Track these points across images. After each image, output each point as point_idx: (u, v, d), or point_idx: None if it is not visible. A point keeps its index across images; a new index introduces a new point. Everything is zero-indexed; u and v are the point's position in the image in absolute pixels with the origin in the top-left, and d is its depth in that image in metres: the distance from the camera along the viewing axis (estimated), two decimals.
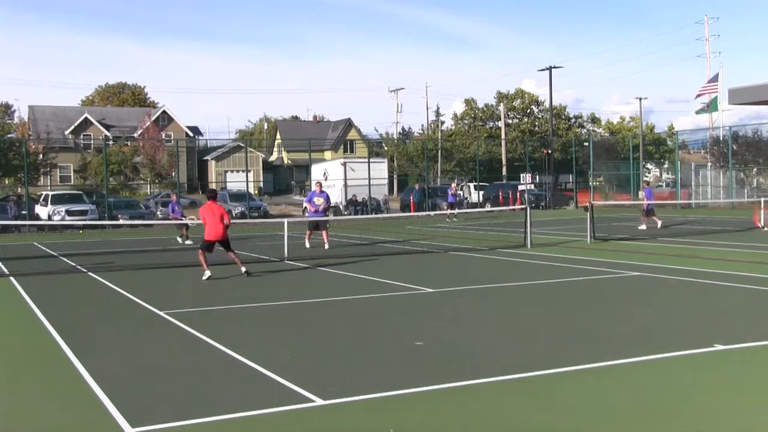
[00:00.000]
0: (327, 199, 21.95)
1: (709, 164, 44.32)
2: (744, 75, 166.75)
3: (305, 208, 22.40)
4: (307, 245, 21.33)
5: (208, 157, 79.36)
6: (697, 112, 49.63)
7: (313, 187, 22.39)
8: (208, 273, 14.83)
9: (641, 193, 27.42)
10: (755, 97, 55.18)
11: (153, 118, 76.19)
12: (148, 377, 7.51)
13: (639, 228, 26.08)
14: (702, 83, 50.15)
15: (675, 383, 6.84)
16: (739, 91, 54.68)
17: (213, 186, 67.86)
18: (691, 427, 5.67)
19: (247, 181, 43.63)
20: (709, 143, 45.90)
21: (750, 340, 8.35)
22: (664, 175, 64.99)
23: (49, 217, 35.28)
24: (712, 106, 48.91)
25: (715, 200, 41.05)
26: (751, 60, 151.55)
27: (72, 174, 66.23)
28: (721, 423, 5.78)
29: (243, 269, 15.20)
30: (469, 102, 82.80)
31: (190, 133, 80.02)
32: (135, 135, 71.18)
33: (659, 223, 26.43)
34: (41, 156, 49.94)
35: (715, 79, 48.48)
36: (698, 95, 48.96)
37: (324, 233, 21.64)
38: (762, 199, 28.11)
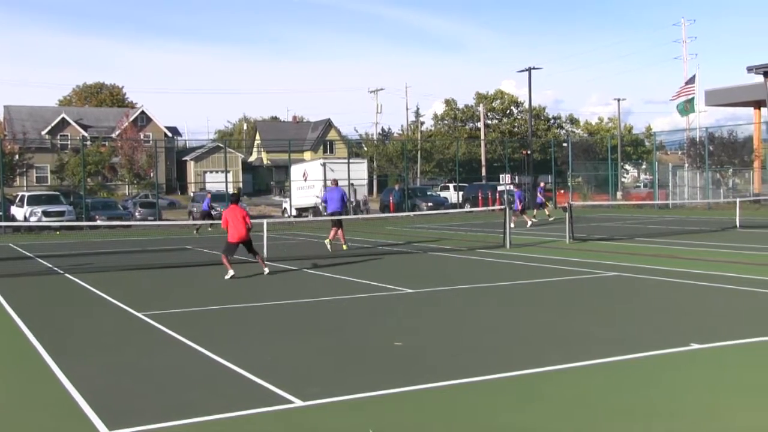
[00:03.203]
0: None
1: (686, 165, 44.65)
2: (720, 77, 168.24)
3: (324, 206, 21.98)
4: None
5: (187, 158, 78.94)
6: (682, 114, 49.85)
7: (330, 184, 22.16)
8: (231, 272, 15.19)
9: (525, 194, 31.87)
10: (731, 99, 56.20)
11: (131, 119, 75.72)
12: (125, 379, 7.44)
13: (511, 226, 27.90)
14: (679, 84, 50.56)
15: (653, 382, 6.86)
16: (716, 92, 55.68)
17: (191, 186, 67.65)
18: (669, 426, 5.70)
19: (226, 182, 43.37)
20: (685, 144, 46.23)
21: (725, 339, 8.43)
22: (642, 176, 65.45)
23: (26, 219, 34.92)
24: (690, 108, 49.26)
25: (692, 201, 41.36)
26: (726, 62, 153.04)
27: (49, 175, 65.54)
28: (698, 421, 5.82)
29: (266, 270, 15.57)
30: (449, 102, 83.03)
31: (169, 134, 79.63)
32: (113, 135, 70.65)
33: (529, 222, 29.61)
34: (17, 156, 49.42)
35: (692, 80, 48.86)
36: (675, 97, 49.29)
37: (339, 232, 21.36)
38: (737, 200, 28.34)
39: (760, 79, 46.32)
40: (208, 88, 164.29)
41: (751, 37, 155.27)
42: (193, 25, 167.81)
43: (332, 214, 21.30)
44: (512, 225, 28.75)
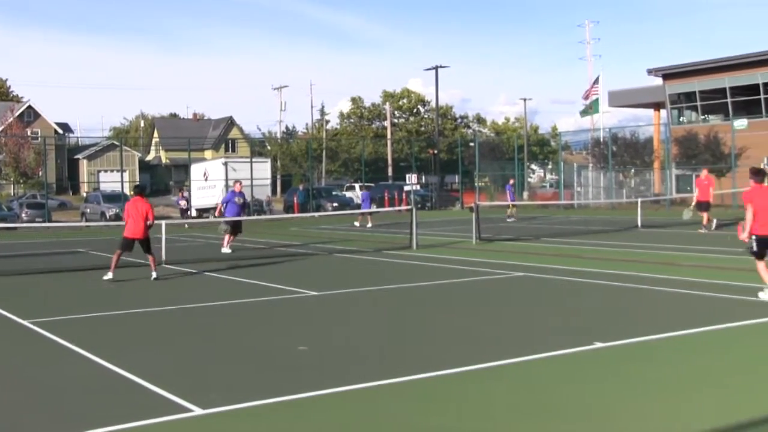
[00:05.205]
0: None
1: (591, 165, 45.37)
2: (623, 78, 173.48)
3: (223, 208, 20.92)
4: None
5: (79, 156, 76.32)
6: (582, 114, 50.95)
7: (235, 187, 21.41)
8: (110, 275, 14.50)
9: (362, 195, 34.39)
10: (632, 100, 57.78)
11: (17, 114, 71.70)
12: (8, 392, 7.02)
13: (367, 226, 30.60)
14: (584, 85, 51.61)
15: (558, 382, 6.95)
16: (618, 94, 57.13)
17: (84, 186, 65.00)
18: (572, 426, 5.76)
19: (122, 182, 42.45)
20: (590, 144, 47.02)
21: (628, 337, 8.58)
22: (548, 176, 66.60)
23: None
24: (594, 108, 50.22)
25: (596, 200, 42.01)
26: (629, 64, 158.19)
27: None
28: (599, 421, 5.89)
29: (153, 275, 14.69)
30: (355, 100, 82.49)
31: (60, 130, 76.48)
32: None
33: (369, 223, 31.24)
34: None
35: (596, 81, 49.85)
36: (585, 97, 50.28)
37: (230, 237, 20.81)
38: (639, 200, 28.80)
39: (659, 81, 47.68)
40: (102, 83, 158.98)
41: (652, 41, 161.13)
42: (87, 15, 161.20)
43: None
44: (357, 224, 30.99)
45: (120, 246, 14.91)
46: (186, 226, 32.24)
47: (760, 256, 11.14)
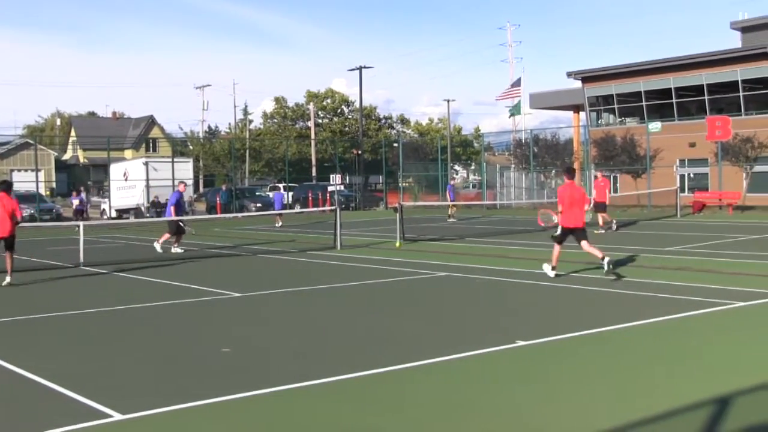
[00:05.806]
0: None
1: (513, 166, 46.03)
2: (544, 81, 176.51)
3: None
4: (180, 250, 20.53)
5: None
6: (511, 114, 51.71)
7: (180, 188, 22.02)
8: (8, 279, 13.73)
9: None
10: (553, 102, 58.96)
11: None
12: None
13: (276, 225, 31.43)
14: (506, 87, 52.32)
15: (481, 380, 7.04)
16: (539, 96, 58.24)
17: None
18: (497, 422, 5.83)
19: (37, 181, 41.19)
20: (512, 145, 47.67)
21: (548, 335, 8.74)
22: (471, 177, 67.28)
23: None
24: (516, 110, 51.01)
25: (518, 201, 42.61)
26: (549, 66, 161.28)
27: None
28: (528, 415, 5.99)
29: (8, 279, 13.76)
30: (279, 100, 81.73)
31: None
32: None
33: (280, 223, 31.98)
34: None
35: (518, 83, 50.65)
36: (501, 98, 51.06)
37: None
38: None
39: (578, 84, 48.75)
40: (15, 79, 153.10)
41: (572, 45, 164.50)
42: None
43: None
44: (279, 224, 31.43)
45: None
46: (76, 228, 30.54)
47: (560, 241, 13.52)
